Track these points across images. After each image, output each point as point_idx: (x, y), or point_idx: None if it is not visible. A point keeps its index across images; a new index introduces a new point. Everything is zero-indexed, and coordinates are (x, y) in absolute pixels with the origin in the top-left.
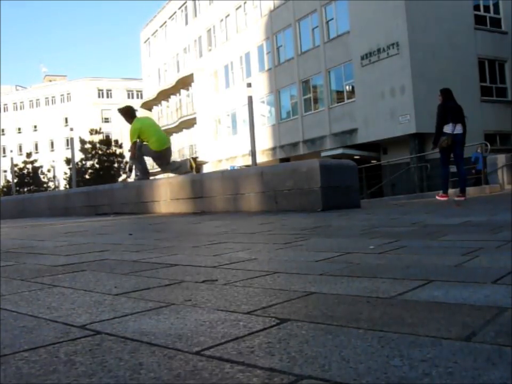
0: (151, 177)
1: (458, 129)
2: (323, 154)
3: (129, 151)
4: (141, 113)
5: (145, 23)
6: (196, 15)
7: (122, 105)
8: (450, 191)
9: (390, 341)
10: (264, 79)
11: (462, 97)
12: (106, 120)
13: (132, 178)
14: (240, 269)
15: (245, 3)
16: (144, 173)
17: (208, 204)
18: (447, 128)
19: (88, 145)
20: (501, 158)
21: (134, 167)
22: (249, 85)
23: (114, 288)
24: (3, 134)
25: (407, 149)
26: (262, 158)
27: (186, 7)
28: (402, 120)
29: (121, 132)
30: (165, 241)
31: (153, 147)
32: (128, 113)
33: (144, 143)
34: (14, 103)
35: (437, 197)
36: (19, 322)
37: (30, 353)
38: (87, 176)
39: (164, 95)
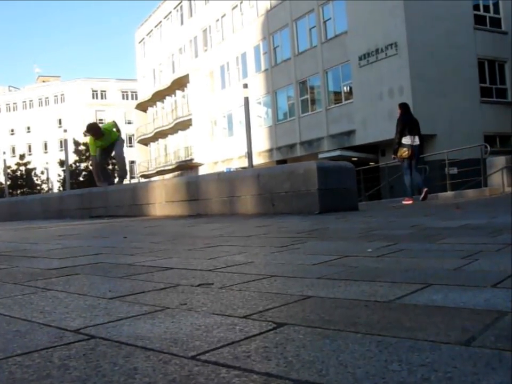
0: (146, 179)
1: (416, 141)
2: (320, 156)
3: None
4: (135, 114)
5: (140, 23)
6: (191, 15)
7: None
8: (451, 193)
9: (389, 345)
10: (260, 80)
11: (461, 98)
12: (100, 122)
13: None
14: (236, 272)
15: (241, 3)
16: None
17: (203, 206)
18: (406, 140)
19: (82, 147)
20: (501, 160)
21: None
22: (245, 86)
23: (108, 291)
24: None
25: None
26: (258, 160)
27: (181, 7)
28: None
29: None
30: (160, 244)
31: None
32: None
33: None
34: (7, 104)
35: (403, 202)
36: (12, 327)
37: (23, 357)
38: (81, 178)
39: (159, 96)
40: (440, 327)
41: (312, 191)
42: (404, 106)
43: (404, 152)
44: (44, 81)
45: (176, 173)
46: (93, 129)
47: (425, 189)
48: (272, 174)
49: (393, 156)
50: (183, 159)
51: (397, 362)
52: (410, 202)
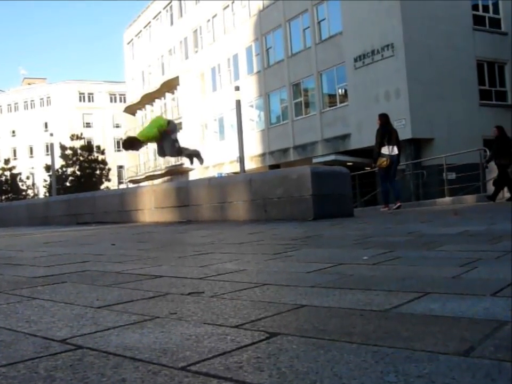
0: (135, 185)
1: (395, 150)
2: (314, 160)
3: None
4: (123, 117)
5: (129, 24)
6: (181, 15)
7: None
8: (449, 199)
9: (385, 355)
10: (252, 82)
11: (459, 101)
12: (87, 125)
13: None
14: (227, 280)
15: (232, 3)
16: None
17: (194, 212)
18: (385, 150)
19: (68, 151)
20: None
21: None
22: (237, 88)
23: (96, 300)
24: None
25: (403, 155)
26: (250, 164)
27: (171, 7)
28: (397, 125)
29: (104, 137)
30: (149, 251)
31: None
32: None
33: None
34: None
35: (381, 209)
36: None
37: (8, 368)
38: (67, 184)
39: (148, 98)
40: (438, 337)
41: (306, 196)
42: (383, 117)
43: (383, 161)
44: (29, 84)
45: (165, 178)
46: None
47: (399, 204)
48: (264, 179)
49: (373, 164)
50: (173, 163)
51: (394, 373)
52: (386, 209)
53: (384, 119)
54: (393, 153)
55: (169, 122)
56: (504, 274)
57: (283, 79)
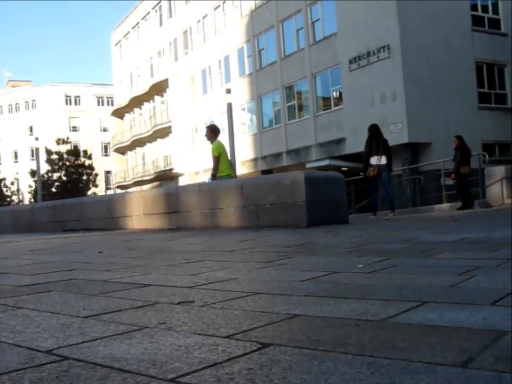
0: (123, 190)
1: (383, 160)
2: (308, 165)
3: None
4: (111, 121)
5: (117, 24)
6: (171, 16)
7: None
8: (447, 205)
9: (381, 367)
10: (244, 85)
11: (458, 104)
12: (74, 129)
13: None
14: (218, 289)
15: (223, 3)
16: None
17: (184, 219)
18: (373, 160)
19: (54, 156)
20: (500, 170)
21: None
22: (228, 91)
23: (83, 310)
24: None
25: (399, 160)
26: (242, 169)
27: (160, 7)
28: (393, 129)
29: (91, 142)
30: (137, 259)
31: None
32: (214, 130)
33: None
34: None
35: (370, 217)
36: None
37: None
38: (53, 190)
39: (137, 101)
40: (435, 347)
41: (300, 203)
42: (372, 128)
43: (371, 171)
44: (14, 86)
45: (154, 184)
46: (211, 127)
47: (393, 214)
48: (256, 185)
49: (361, 173)
50: (162, 168)
51: None
52: (374, 217)
53: (372, 130)
54: (380, 163)
55: None
56: (504, 283)
57: (276, 81)
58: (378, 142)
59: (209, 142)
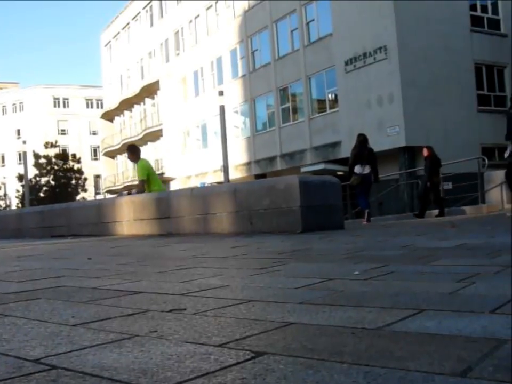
0: (113, 195)
1: (367, 170)
2: (303, 170)
3: (138, 187)
4: (101, 124)
5: (106, 25)
6: (162, 16)
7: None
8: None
9: (377, 376)
10: (237, 87)
11: (456, 107)
12: (63, 132)
13: None
14: (211, 296)
15: (216, 2)
16: None
17: (175, 224)
18: (357, 169)
19: (43, 160)
20: (500, 174)
21: None
22: (221, 93)
23: (71, 318)
24: None
25: (396, 164)
26: (235, 174)
27: (151, 7)
28: (390, 132)
29: (80, 145)
30: (127, 266)
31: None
32: (135, 151)
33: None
34: None
35: (363, 223)
36: None
37: None
38: (41, 194)
39: (127, 104)
40: (433, 356)
41: (294, 208)
42: (359, 137)
43: (354, 180)
44: (0, 88)
45: None
46: (131, 147)
47: (365, 222)
48: (250, 189)
49: (349, 183)
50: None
51: None
52: (365, 222)
53: (359, 139)
54: (364, 172)
55: None
56: (504, 290)
57: (270, 83)
58: (363, 151)
59: (133, 162)
